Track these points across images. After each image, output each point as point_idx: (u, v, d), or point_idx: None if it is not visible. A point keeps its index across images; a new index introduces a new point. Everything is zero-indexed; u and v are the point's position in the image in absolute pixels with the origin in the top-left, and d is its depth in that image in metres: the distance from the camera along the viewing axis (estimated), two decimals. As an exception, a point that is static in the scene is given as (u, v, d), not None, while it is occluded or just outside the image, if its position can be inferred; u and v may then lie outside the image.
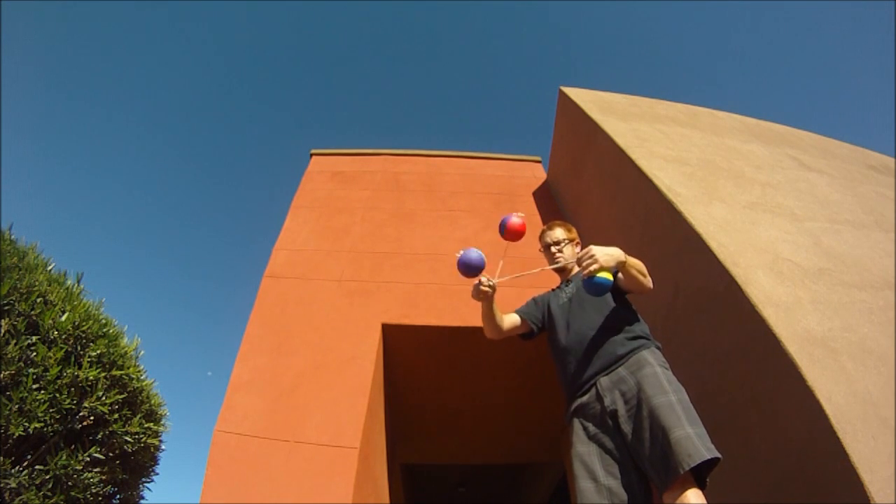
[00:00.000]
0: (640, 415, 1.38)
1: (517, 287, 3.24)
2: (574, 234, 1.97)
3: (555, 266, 1.90)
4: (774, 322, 1.94)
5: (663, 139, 3.41)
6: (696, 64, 15.75)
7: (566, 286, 1.84)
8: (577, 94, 4.16)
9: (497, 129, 16.90)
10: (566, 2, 14.69)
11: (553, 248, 1.91)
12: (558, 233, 1.94)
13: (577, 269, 1.89)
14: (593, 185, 3.71)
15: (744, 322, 2.07)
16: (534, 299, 1.91)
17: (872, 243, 2.58)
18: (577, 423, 1.55)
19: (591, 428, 1.50)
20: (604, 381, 1.52)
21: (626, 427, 1.41)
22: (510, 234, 1.75)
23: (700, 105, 4.36)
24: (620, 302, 1.69)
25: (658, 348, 1.59)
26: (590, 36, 15.81)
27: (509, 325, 1.80)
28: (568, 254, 1.90)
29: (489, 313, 1.73)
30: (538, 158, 5.09)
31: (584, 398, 1.56)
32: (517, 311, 1.85)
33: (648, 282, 1.64)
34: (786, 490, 1.85)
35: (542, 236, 1.99)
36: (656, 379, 1.43)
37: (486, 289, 1.62)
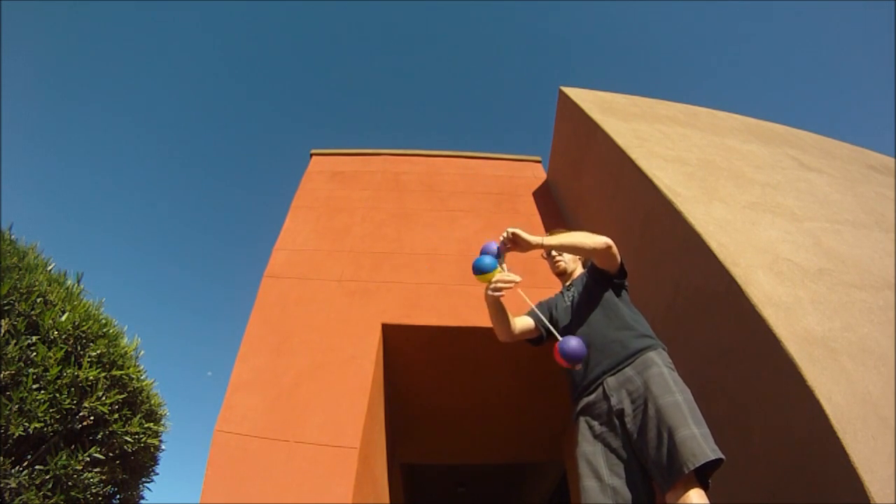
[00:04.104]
0: (646, 414, 1.39)
1: (520, 288, 3.24)
2: None
3: (556, 271, 1.93)
4: (774, 322, 1.94)
5: (663, 139, 3.41)
6: (696, 64, 15.75)
7: (567, 290, 1.85)
8: (577, 94, 4.16)
9: (497, 129, 16.92)
10: (566, 2, 14.70)
11: (554, 253, 1.93)
12: None
13: (578, 272, 1.89)
14: (593, 185, 3.71)
15: (744, 322, 2.07)
16: (540, 303, 1.92)
17: (872, 243, 2.58)
18: (582, 423, 1.56)
19: (597, 427, 1.50)
20: (610, 381, 1.52)
21: (632, 426, 1.41)
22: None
23: (700, 105, 4.37)
24: (622, 299, 1.70)
25: (664, 349, 1.60)
26: (590, 36, 15.82)
27: (521, 328, 1.78)
28: (567, 258, 1.91)
29: (497, 311, 1.71)
30: (538, 158, 5.09)
31: (591, 397, 1.56)
32: (528, 314, 1.85)
33: (591, 242, 1.60)
34: (786, 490, 1.85)
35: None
36: (663, 379, 1.44)
37: (504, 286, 1.58)
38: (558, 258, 1.92)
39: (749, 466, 2.03)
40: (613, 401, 1.48)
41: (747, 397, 2.08)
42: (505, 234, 1.60)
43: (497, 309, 1.70)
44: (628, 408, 1.45)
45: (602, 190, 3.56)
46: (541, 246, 1.60)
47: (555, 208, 4.30)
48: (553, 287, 1.98)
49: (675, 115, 3.98)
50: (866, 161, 3.85)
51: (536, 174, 4.83)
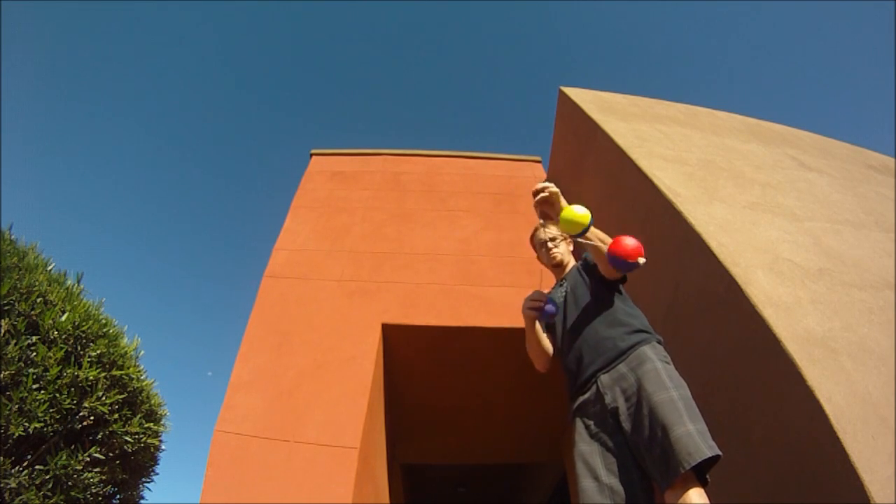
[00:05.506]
0: (641, 412, 1.36)
1: (516, 287, 3.25)
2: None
3: (552, 263, 1.91)
4: (774, 322, 1.94)
5: (663, 139, 3.41)
6: (696, 64, 15.75)
7: (560, 286, 1.83)
8: (577, 94, 4.15)
9: (497, 129, 16.92)
10: (566, 2, 14.70)
11: (549, 244, 1.91)
12: (552, 230, 1.94)
13: (570, 266, 1.89)
14: (593, 186, 3.71)
15: (744, 322, 2.07)
16: None
17: (872, 243, 2.58)
18: (579, 422, 1.54)
19: (593, 426, 1.48)
20: (604, 379, 1.50)
21: (627, 425, 1.39)
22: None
23: (700, 105, 4.37)
24: (617, 295, 1.69)
25: (659, 342, 1.57)
26: (590, 36, 15.82)
27: (549, 348, 1.78)
28: (563, 250, 1.90)
29: (535, 337, 1.71)
30: (538, 158, 5.08)
31: (586, 396, 1.54)
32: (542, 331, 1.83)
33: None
34: (786, 490, 1.85)
35: (535, 234, 1.98)
36: (657, 375, 1.41)
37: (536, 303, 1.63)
38: (554, 249, 1.90)
39: (749, 466, 2.03)
40: (608, 399, 1.46)
41: (747, 397, 2.08)
42: (547, 190, 1.65)
43: (534, 331, 1.71)
44: (623, 406, 1.42)
45: (602, 190, 3.55)
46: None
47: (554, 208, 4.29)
48: (548, 285, 1.97)
49: (675, 115, 3.98)
50: (866, 161, 3.85)
51: (536, 174, 4.83)
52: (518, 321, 1.86)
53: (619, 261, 1.47)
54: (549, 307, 1.63)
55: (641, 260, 1.44)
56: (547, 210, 1.67)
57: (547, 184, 1.65)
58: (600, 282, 1.70)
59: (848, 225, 2.71)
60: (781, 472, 1.88)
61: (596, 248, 1.56)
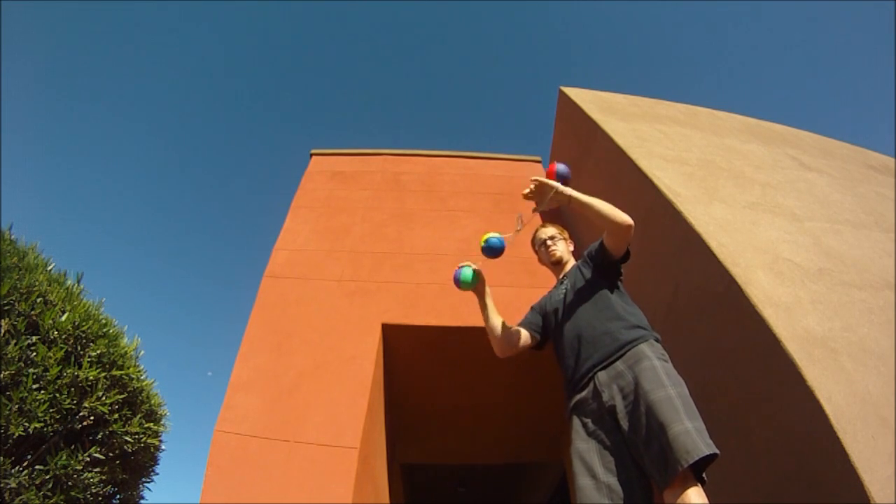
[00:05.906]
0: (638, 410, 1.36)
1: (516, 287, 3.25)
2: (566, 234, 2.00)
3: (551, 260, 1.93)
4: (774, 322, 1.94)
5: (663, 139, 3.41)
6: (696, 64, 15.76)
7: (561, 283, 1.84)
8: (577, 94, 4.16)
9: (497, 129, 16.93)
10: (566, 2, 14.71)
11: (549, 242, 1.94)
12: (551, 230, 1.97)
13: (571, 264, 1.89)
14: (593, 186, 3.71)
15: (744, 322, 2.07)
16: (532, 307, 1.91)
17: (872, 243, 2.58)
18: (576, 420, 1.54)
19: (590, 424, 1.48)
20: (601, 376, 1.50)
21: (624, 423, 1.39)
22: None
23: (700, 105, 4.37)
24: (617, 291, 1.69)
25: (657, 340, 1.56)
26: (590, 36, 15.83)
27: (519, 340, 1.79)
28: (562, 248, 1.92)
29: (488, 316, 1.72)
30: (538, 158, 5.08)
31: (583, 394, 1.54)
32: (521, 325, 1.84)
33: (617, 214, 1.60)
34: (786, 490, 1.85)
35: (535, 235, 2.01)
36: (654, 373, 1.40)
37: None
38: (553, 246, 1.92)
39: (749, 466, 2.03)
40: (605, 397, 1.46)
41: (747, 397, 2.08)
42: (529, 189, 1.72)
43: (487, 309, 1.72)
44: (620, 404, 1.42)
45: (602, 190, 3.55)
46: (566, 196, 1.66)
47: (554, 208, 4.29)
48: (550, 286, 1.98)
49: (675, 115, 3.98)
50: (866, 161, 3.85)
51: (536, 174, 4.81)
52: (516, 322, 1.88)
53: (556, 176, 1.71)
54: (455, 273, 1.71)
55: (561, 165, 1.72)
56: (540, 199, 1.73)
57: (531, 186, 1.73)
58: (600, 268, 1.71)
59: (848, 225, 2.72)
60: (781, 472, 1.88)
61: (592, 208, 1.63)
